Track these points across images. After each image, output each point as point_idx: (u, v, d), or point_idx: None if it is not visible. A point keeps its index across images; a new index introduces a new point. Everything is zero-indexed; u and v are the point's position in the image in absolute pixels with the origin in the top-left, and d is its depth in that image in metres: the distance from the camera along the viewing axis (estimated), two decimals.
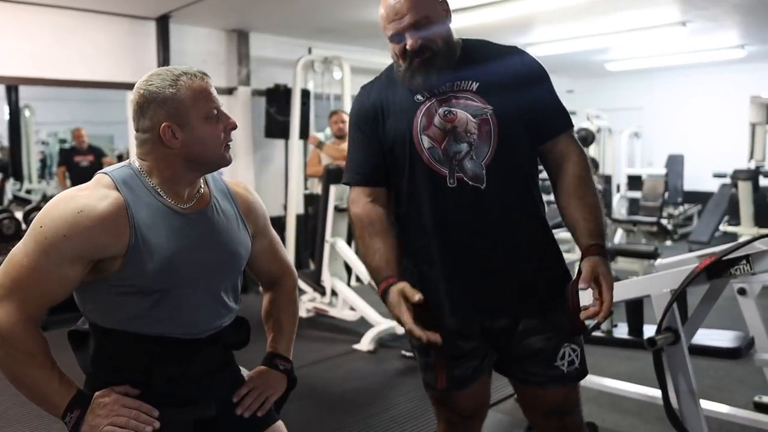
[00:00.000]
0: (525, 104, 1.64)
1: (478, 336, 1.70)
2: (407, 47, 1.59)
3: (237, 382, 1.49)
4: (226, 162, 1.39)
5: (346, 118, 5.51)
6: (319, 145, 5.50)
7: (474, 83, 1.63)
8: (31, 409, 1.44)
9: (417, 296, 1.48)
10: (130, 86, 5.98)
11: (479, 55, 1.68)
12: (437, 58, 1.60)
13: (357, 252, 1.77)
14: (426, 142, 1.62)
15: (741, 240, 2.39)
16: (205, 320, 1.38)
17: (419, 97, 1.64)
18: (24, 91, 8.29)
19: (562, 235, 4.39)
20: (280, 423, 1.53)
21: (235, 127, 1.37)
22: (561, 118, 1.70)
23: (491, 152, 1.60)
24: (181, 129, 1.30)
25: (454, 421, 1.82)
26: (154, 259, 1.28)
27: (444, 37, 1.62)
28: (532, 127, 1.65)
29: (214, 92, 1.35)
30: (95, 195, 1.27)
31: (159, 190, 1.33)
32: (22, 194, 8.36)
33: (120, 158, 10.19)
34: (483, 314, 1.68)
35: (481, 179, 1.60)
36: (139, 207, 1.29)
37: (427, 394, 1.83)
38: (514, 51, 1.71)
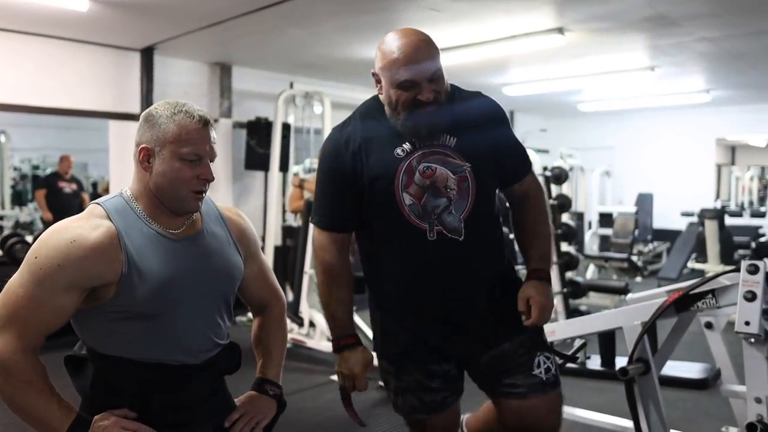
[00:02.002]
0: (495, 154, 1.75)
1: (451, 359, 1.82)
2: (420, 98, 1.59)
3: (228, 406, 1.52)
4: (189, 208, 1.39)
5: None
6: (301, 183, 5.54)
7: (452, 138, 1.68)
8: None
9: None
10: (112, 115, 6.04)
11: (456, 106, 1.71)
12: (438, 111, 1.64)
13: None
14: (407, 199, 1.67)
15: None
16: (201, 342, 1.43)
17: (399, 152, 1.67)
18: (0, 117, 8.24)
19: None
20: None
21: (208, 179, 1.37)
22: (524, 161, 1.84)
23: (469, 206, 1.68)
24: (155, 157, 1.35)
25: None
26: (147, 285, 1.32)
27: (446, 90, 1.69)
28: (501, 174, 1.78)
29: (206, 140, 1.36)
30: (88, 225, 1.31)
31: (149, 218, 1.38)
32: None
33: (95, 186, 10.13)
34: (458, 345, 1.80)
35: (459, 232, 1.68)
36: (131, 235, 1.34)
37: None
38: (480, 97, 1.78)
